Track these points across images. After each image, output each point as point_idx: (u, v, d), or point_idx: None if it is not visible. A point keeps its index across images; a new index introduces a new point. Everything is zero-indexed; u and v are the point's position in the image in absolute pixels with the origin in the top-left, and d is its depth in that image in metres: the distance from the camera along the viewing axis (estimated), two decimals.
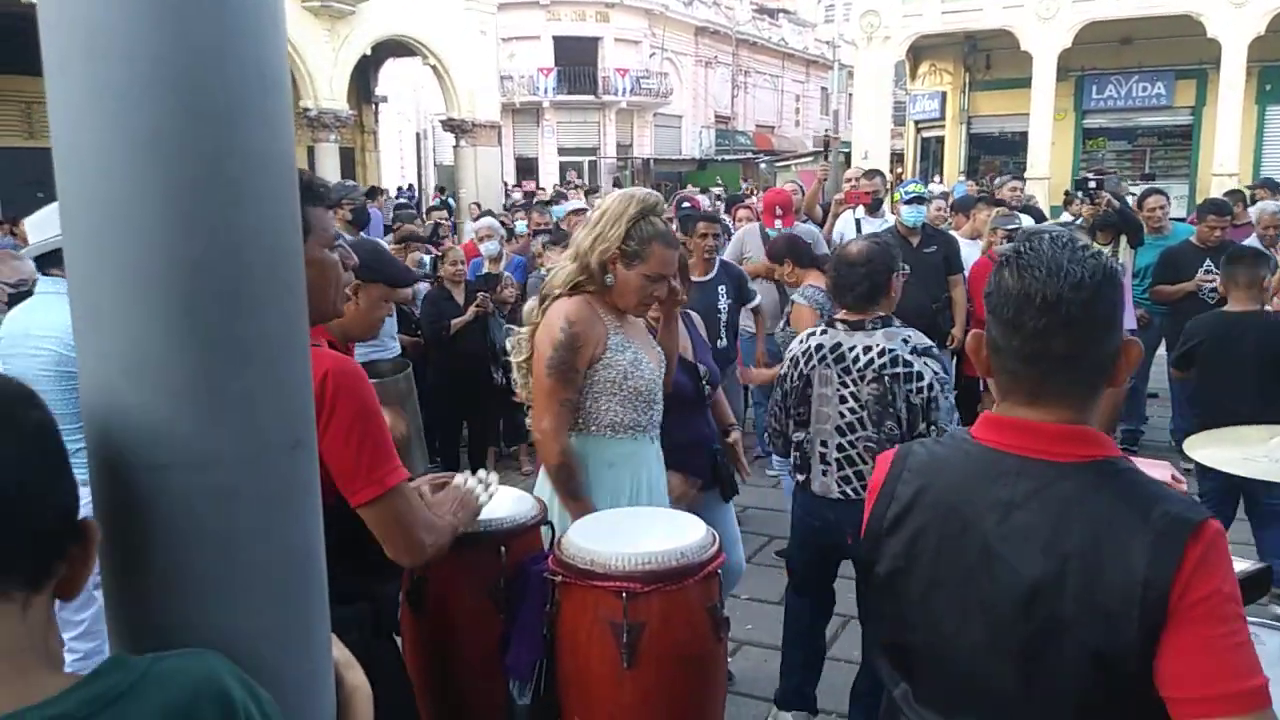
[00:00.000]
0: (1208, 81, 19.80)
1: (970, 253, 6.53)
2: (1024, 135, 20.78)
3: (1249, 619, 1.96)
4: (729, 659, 3.05)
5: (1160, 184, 11.02)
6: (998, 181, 10.97)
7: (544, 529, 2.42)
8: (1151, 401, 7.23)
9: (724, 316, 5.39)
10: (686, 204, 7.87)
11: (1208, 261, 6.20)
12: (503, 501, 2.36)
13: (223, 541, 0.89)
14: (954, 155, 23.36)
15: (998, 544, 1.31)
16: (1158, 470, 2.29)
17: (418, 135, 31.92)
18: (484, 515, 2.18)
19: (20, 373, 2.82)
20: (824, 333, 3.15)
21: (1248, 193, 9.73)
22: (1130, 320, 6.36)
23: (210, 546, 0.88)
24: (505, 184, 21.81)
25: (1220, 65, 18.59)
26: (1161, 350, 6.79)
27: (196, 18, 0.83)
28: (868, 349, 3.01)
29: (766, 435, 3.40)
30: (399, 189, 21.82)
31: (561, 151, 32.43)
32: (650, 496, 2.73)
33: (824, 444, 3.09)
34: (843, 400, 3.04)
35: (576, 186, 17.88)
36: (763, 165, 31.37)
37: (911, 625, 1.43)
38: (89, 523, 0.84)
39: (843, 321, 3.12)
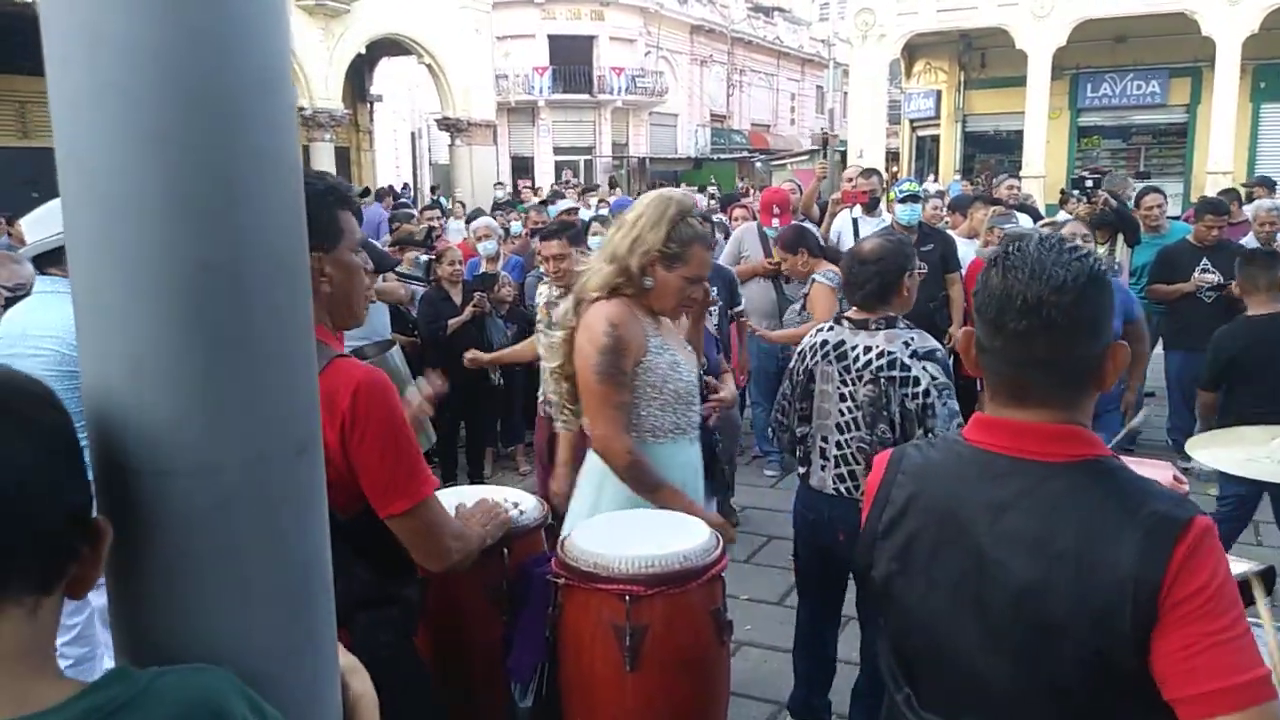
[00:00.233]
0: (1202, 79, 19.83)
1: (967, 252, 6.53)
2: (1019, 134, 20.80)
3: (1254, 620, 1.96)
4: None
5: (1155, 182, 11.05)
6: (996, 180, 10.97)
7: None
8: (1148, 400, 7.23)
9: (714, 319, 5.40)
10: None
11: (1205, 260, 6.22)
12: (505, 503, 2.35)
13: (227, 549, 0.88)
14: (949, 154, 23.38)
15: (990, 545, 1.32)
16: (1159, 471, 2.29)
17: (413, 134, 31.87)
18: None
19: None
20: (831, 329, 3.14)
21: (1243, 191, 9.76)
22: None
23: (215, 554, 0.87)
24: (502, 183, 21.71)
25: (1215, 63, 18.62)
26: (1159, 349, 6.81)
27: (199, 15, 0.82)
28: (867, 349, 3.00)
29: (770, 430, 3.39)
30: (390, 188, 21.76)
31: (557, 150, 32.39)
32: (698, 500, 2.72)
33: (824, 440, 3.09)
34: (841, 399, 3.04)
35: (572, 186, 17.81)
36: (758, 164, 31.39)
37: (910, 629, 1.43)
38: (100, 521, 0.84)
39: (849, 319, 3.10)
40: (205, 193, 0.84)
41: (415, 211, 11.13)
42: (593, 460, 2.67)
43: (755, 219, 6.87)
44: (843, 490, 3.06)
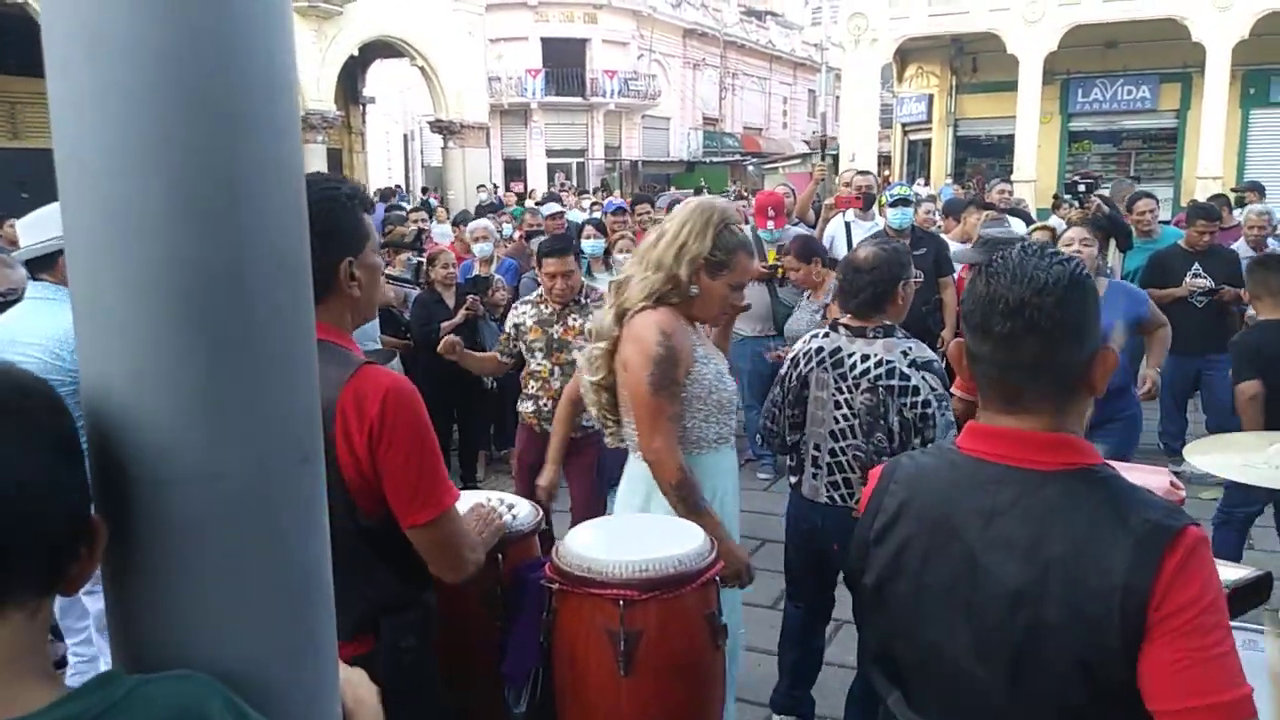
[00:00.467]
0: (1192, 85, 19.94)
1: (958, 251, 6.54)
2: (1010, 138, 20.88)
3: (1252, 626, 1.97)
4: None
5: (1145, 187, 11.09)
6: (989, 185, 11.00)
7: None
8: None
9: None
10: (677, 205, 7.85)
11: (1196, 265, 6.24)
12: (500, 506, 2.34)
13: (229, 557, 0.87)
14: (940, 158, 23.45)
15: (981, 552, 1.32)
16: (1155, 477, 2.29)
17: (405, 136, 31.85)
18: None
19: None
20: (826, 336, 3.13)
21: (1232, 196, 9.81)
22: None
23: (216, 562, 0.86)
24: (495, 186, 21.68)
25: (1205, 69, 18.72)
26: None
27: (202, 15, 0.81)
28: (865, 357, 2.99)
29: (759, 435, 3.40)
30: (394, 188, 21.70)
31: (549, 153, 32.39)
32: (732, 506, 2.73)
33: (817, 448, 3.08)
34: (837, 406, 3.02)
35: (566, 188, 17.80)
36: (750, 167, 31.43)
37: (901, 634, 1.44)
38: (96, 520, 0.84)
39: (845, 327, 3.09)
40: (208, 195, 0.83)
41: (406, 214, 11.07)
42: (639, 470, 2.64)
43: (749, 222, 6.86)
44: (836, 499, 3.05)
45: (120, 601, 0.90)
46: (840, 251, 6.30)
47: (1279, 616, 1.98)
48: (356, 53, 19.53)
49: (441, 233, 9.98)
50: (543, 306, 4.50)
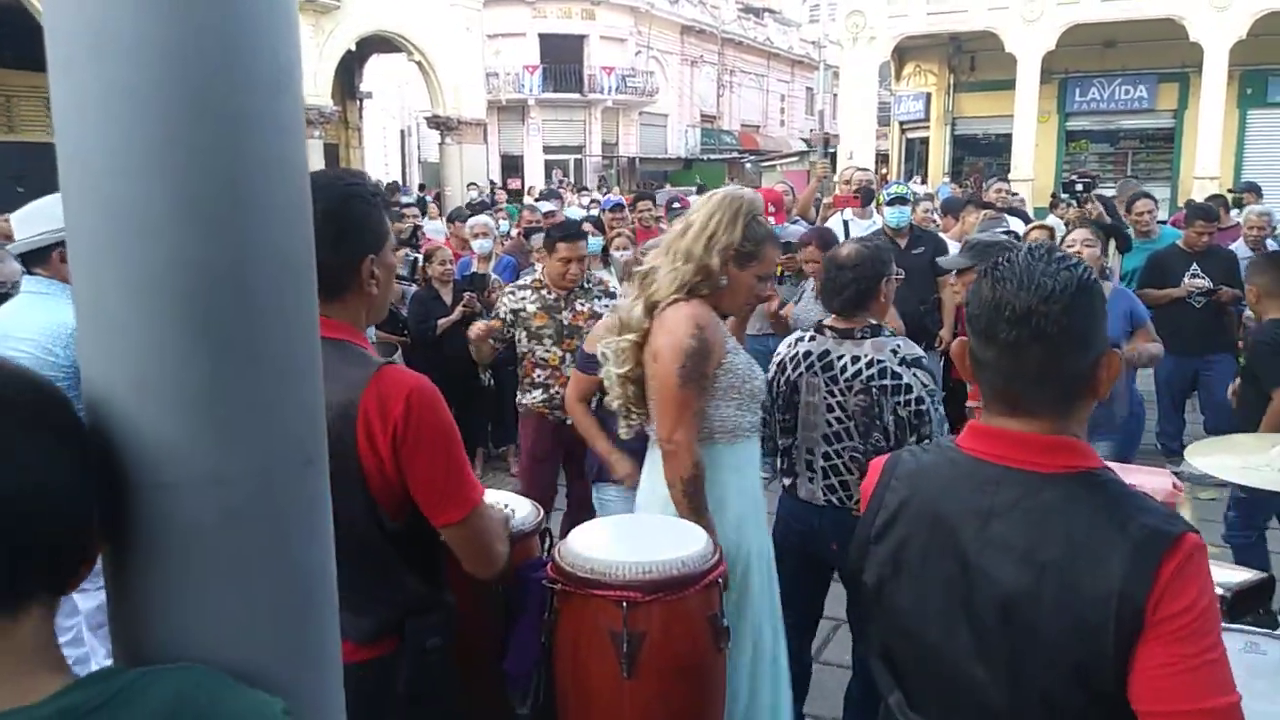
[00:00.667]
0: (1190, 85, 19.96)
1: (944, 258, 6.54)
2: (1008, 137, 20.89)
3: (1253, 629, 1.96)
4: None
5: (1142, 187, 11.10)
6: (986, 184, 11.01)
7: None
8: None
9: None
10: (677, 204, 7.84)
11: (1194, 265, 6.25)
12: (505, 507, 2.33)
13: (233, 562, 0.85)
14: (938, 156, 23.46)
15: (977, 553, 1.32)
16: (1157, 479, 2.29)
17: (402, 132, 31.79)
18: None
19: None
20: (812, 339, 3.10)
21: (1229, 197, 9.82)
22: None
23: (220, 567, 0.85)
24: (491, 182, 21.64)
25: (1202, 69, 18.74)
26: None
27: (207, 14, 0.80)
28: (856, 359, 2.98)
29: None
30: (396, 184, 21.62)
31: (547, 149, 32.35)
32: (758, 497, 2.72)
33: (810, 451, 3.06)
34: (830, 410, 3.01)
35: (563, 185, 17.78)
36: (748, 165, 31.41)
37: (900, 632, 1.43)
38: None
39: (831, 329, 3.07)
40: (212, 196, 0.81)
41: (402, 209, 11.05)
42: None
43: None
44: (834, 500, 3.04)
45: (123, 605, 0.88)
46: None
47: None
48: (354, 47, 19.50)
49: (434, 229, 9.96)
50: (545, 292, 4.45)
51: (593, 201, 13.61)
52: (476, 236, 6.72)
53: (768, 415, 3.20)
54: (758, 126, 41.33)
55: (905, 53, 23.28)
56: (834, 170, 11.93)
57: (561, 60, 31.93)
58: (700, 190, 17.96)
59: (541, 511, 2.48)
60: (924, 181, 20.05)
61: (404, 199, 13.92)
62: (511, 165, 30.91)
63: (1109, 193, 10.62)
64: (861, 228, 6.78)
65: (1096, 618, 1.19)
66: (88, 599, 2.89)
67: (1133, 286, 6.62)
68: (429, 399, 1.69)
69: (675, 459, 2.49)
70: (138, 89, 0.79)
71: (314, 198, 1.66)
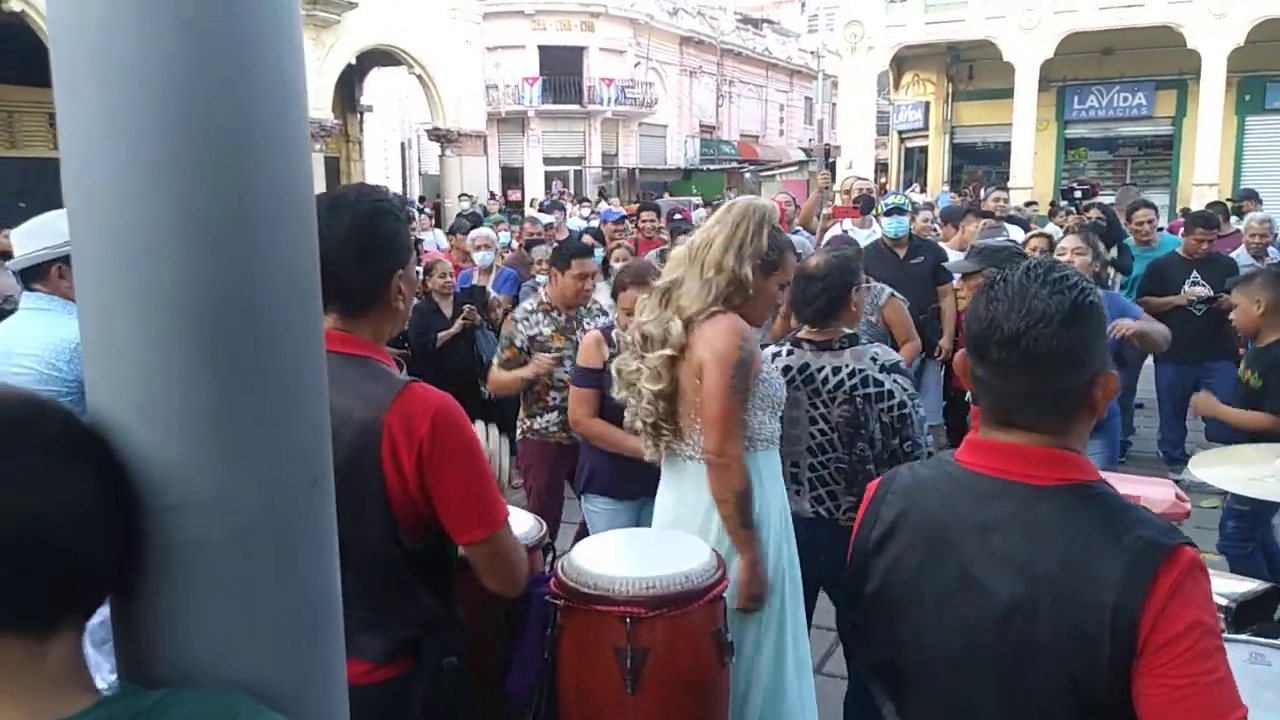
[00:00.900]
0: (1188, 92, 20.02)
1: (951, 261, 6.53)
2: (1006, 145, 20.94)
3: (1258, 640, 1.95)
4: None
5: (1141, 193, 11.10)
6: (985, 192, 11.03)
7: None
8: (1138, 412, 7.26)
9: None
10: (678, 215, 7.86)
11: (1194, 273, 6.25)
12: None
13: (237, 582, 0.85)
14: (937, 165, 23.51)
15: (975, 566, 1.32)
16: (1161, 489, 2.29)
17: (402, 144, 31.88)
18: None
19: None
20: (790, 353, 3.09)
21: (1229, 205, 9.83)
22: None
23: (224, 588, 0.85)
24: (486, 195, 21.66)
25: (1200, 76, 18.79)
26: (1149, 361, 6.82)
27: (213, 37, 0.80)
28: (837, 370, 2.98)
29: None
30: (401, 198, 21.58)
31: (547, 161, 32.41)
32: (785, 504, 2.73)
33: (795, 465, 3.05)
34: (813, 422, 3.00)
35: (563, 194, 17.79)
36: (748, 175, 31.48)
37: (898, 645, 1.43)
38: None
39: (809, 341, 3.07)
40: (218, 215, 0.82)
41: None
42: (696, 482, 2.62)
43: None
44: (822, 512, 3.04)
45: (129, 625, 0.88)
46: None
47: None
48: (354, 61, 19.56)
49: (429, 241, 9.97)
50: (555, 314, 4.36)
51: (593, 213, 13.62)
52: (478, 249, 6.72)
53: None
54: (757, 136, 41.42)
55: (903, 62, 23.36)
56: (834, 180, 11.95)
57: (561, 72, 32.01)
58: (710, 204, 18.00)
59: (544, 526, 2.47)
60: (923, 190, 20.09)
61: (412, 209, 13.91)
62: (512, 177, 30.97)
63: (1108, 200, 10.64)
64: (861, 238, 6.78)
65: (1092, 629, 1.19)
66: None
67: (1133, 294, 6.63)
68: (454, 417, 1.68)
69: (728, 472, 2.48)
70: (143, 108, 0.79)
71: (341, 215, 1.67)
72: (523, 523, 2.44)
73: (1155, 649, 1.16)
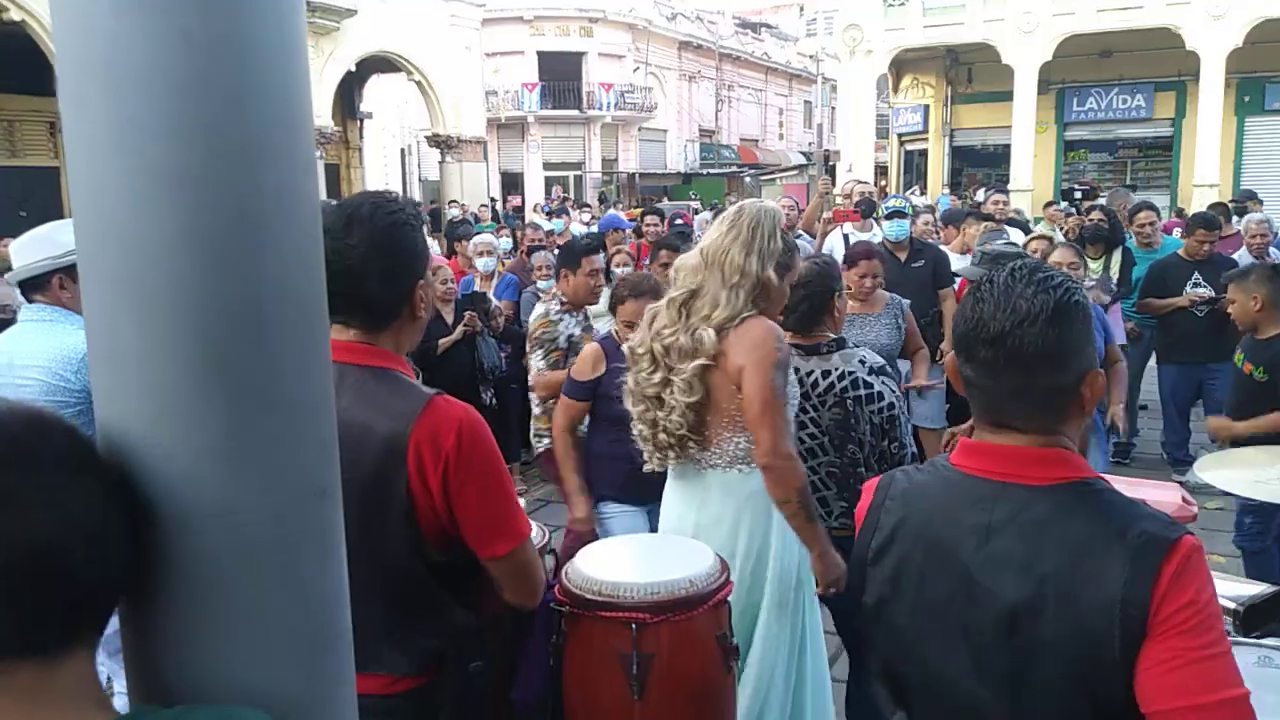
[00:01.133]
0: (1187, 93, 20.03)
1: (959, 267, 6.53)
2: (1006, 147, 20.95)
3: (1265, 644, 1.95)
4: None
5: (1141, 195, 11.11)
6: (981, 195, 11.02)
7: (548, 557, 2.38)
8: (1142, 414, 7.25)
9: None
10: (679, 220, 7.86)
11: (1196, 274, 6.25)
12: None
13: (250, 596, 0.85)
14: (937, 168, 23.53)
15: (977, 569, 1.31)
16: (1166, 493, 2.28)
17: (402, 151, 31.88)
18: None
19: None
20: None
21: (1230, 206, 9.83)
22: (1120, 334, 6.39)
23: (237, 602, 0.85)
24: (487, 200, 21.69)
25: (1199, 77, 18.81)
26: (1152, 362, 6.82)
27: (219, 52, 0.80)
28: (826, 373, 3.00)
29: None
30: None
31: (547, 166, 32.45)
32: None
33: None
34: (803, 426, 3.01)
35: (565, 200, 17.79)
36: (748, 179, 31.50)
37: (902, 653, 1.43)
38: None
39: (797, 346, 3.07)
40: (226, 233, 0.82)
41: None
42: (721, 491, 2.63)
43: None
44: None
45: (139, 640, 0.88)
46: None
47: None
48: (354, 68, 19.58)
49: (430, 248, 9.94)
50: (576, 315, 4.42)
51: (593, 218, 13.63)
52: (480, 255, 6.72)
53: None
54: (757, 140, 41.46)
55: (902, 65, 23.38)
56: (834, 184, 11.96)
57: (560, 77, 32.06)
58: (713, 208, 17.97)
59: (547, 533, 2.47)
60: (923, 193, 20.10)
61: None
62: (512, 182, 31.00)
63: (1101, 201, 10.64)
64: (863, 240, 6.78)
65: (1099, 625, 1.19)
66: None
67: (1135, 295, 6.62)
68: (479, 431, 1.68)
69: (789, 473, 2.49)
70: (150, 121, 0.79)
71: (361, 228, 1.67)
72: None
73: (1154, 629, 1.17)
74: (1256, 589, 1.95)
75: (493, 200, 21.82)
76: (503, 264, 7.89)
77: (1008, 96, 20.32)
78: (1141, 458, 6.77)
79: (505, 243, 9.41)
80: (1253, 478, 2.13)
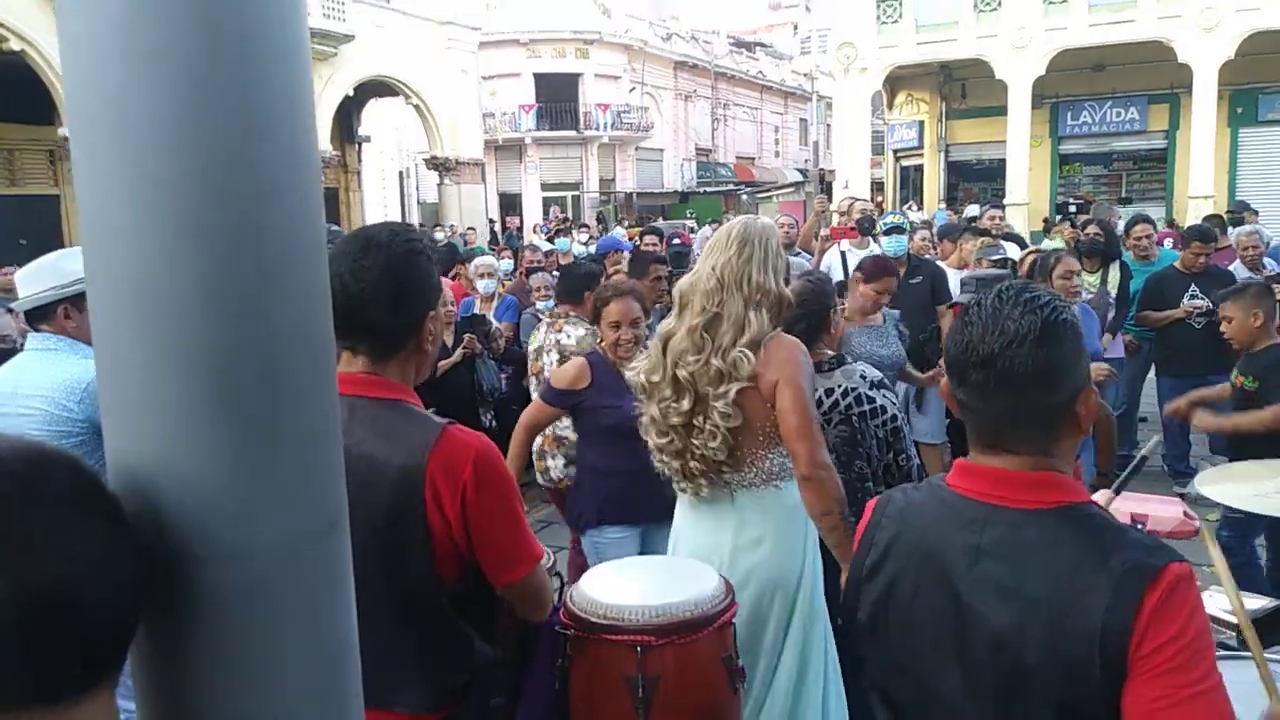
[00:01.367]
0: (1180, 106, 20.15)
1: (957, 282, 6.55)
2: (1001, 162, 21.05)
3: (1274, 656, 1.94)
4: None
5: (1136, 207, 11.15)
6: (974, 210, 11.06)
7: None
8: (1141, 426, 7.25)
9: None
10: (677, 239, 7.87)
11: (1193, 286, 6.27)
12: None
13: (260, 632, 0.86)
14: (933, 183, 23.62)
15: (967, 591, 1.32)
16: (1169, 508, 2.29)
17: (400, 174, 32.03)
18: None
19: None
20: None
21: (1226, 218, 9.87)
22: (1118, 348, 6.40)
23: (247, 638, 0.86)
24: (491, 219, 21.74)
25: (1192, 90, 18.91)
26: (1151, 374, 6.83)
27: (228, 94, 0.82)
28: (830, 391, 3.01)
29: None
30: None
31: (544, 187, 32.56)
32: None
33: None
34: None
35: (565, 221, 17.82)
36: (744, 196, 31.60)
37: (895, 669, 1.44)
38: None
39: None
40: (236, 272, 0.83)
41: None
42: (750, 512, 2.64)
43: None
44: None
45: (149, 678, 0.89)
46: (837, 280, 6.30)
47: None
48: (351, 92, 19.70)
49: None
50: (574, 333, 4.54)
51: (590, 238, 13.66)
52: (481, 277, 6.74)
53: None
54: (753, 158, 41.61)
55: (897, 82, 23.52)
56: (831, 201, 12.00)
57: (557, 99, 32.21)
58: (715, 223, 18.00)
59: (553, 555, 2.48)
60: (919, 208, 20.15)
61: None
62: (510, 203, 31.09)
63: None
64: (859, 258, 6.80)
65: (1081, 654, 1.19)
66: None
67: (1133, 308, 6.64)
68: (494, 460, 1.69)
69: (829, 482, 2.48)
70: (161, 171, 0.80)
71: (378, 252, 1.68)
72: None
73: (1137, 664, 1.17)
74: (1257, 603, 1.95)
75: (492, 221, 21.87)
76: (503, 285, 7.90)
77: (1002, 111, 20.43)
78: (1142, 471, 6.75)
79: (506, 264, 9.43)
80: (1252, 491, 2.13)
